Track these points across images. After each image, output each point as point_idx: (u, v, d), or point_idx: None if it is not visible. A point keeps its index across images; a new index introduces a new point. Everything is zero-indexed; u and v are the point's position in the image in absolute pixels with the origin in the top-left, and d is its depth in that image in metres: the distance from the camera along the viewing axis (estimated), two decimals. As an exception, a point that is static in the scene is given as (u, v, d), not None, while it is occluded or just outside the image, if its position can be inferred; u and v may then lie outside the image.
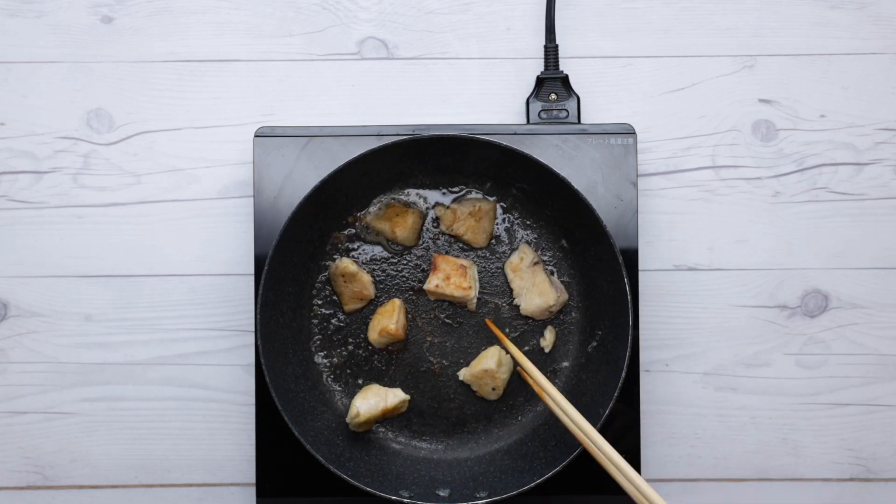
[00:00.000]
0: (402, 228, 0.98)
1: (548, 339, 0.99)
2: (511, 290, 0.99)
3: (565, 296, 0.98)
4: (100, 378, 1.01)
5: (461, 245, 0.99)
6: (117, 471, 1.01)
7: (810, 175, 1.02)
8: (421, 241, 0.99)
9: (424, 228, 0.99)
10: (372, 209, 0.99)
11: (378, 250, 0.99)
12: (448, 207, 0.99)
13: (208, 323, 1.01)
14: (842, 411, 1.02)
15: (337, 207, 0.98)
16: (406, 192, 0.99)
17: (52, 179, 1.01)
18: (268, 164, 0.98)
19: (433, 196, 1.00)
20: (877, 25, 1.02)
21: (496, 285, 0.99)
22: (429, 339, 0.99)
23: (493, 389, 0.98)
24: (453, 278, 0.97)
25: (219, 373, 1.01)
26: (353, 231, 0.99)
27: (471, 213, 0.98)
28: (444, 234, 0.99)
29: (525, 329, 0.99)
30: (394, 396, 0.97)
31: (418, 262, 0.99)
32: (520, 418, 0.99)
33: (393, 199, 0.99)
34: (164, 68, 1.02)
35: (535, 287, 0.98)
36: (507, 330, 0.99)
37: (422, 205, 0.99)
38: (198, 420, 1.01)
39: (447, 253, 0.99)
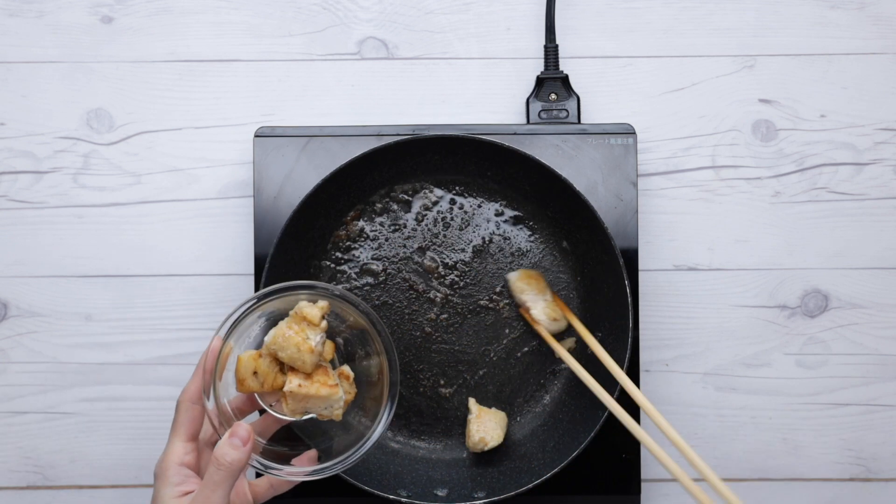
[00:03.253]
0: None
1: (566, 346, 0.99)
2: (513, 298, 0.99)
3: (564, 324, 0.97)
4: (100, 378, 1.01)
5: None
6: (117, 471, 1.01)
7: (810, 175, 1.02)
8: (423, 222, 0.99)
9: (425, 224, 0.99)
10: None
11: (379, 249, 0.99)
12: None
13: (208, 323, 1.01)
14: (842, 411, 1.02)
15: (338, 206, 0.98)
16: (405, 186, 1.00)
17: (52, 179, 1.01)
18: (268, 164, 0.98)
19: (435, 193, 1.00)
20: (877, 25, 1.02)
21: (494, 285, 0.99)
22: (428, 335, 0.99)
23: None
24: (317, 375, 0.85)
25: (219, 373, 1.01)
26: (356, 228, 0.99)
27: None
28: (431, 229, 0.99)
29: (525, 330, 0.99)
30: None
31: (416, 267, 0.99)
32: (518, 419, 0.99)
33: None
34: (164, 68, 1.02)
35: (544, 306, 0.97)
36: (506, 330, 0.99)
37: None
38: (198, 420, 1.01)
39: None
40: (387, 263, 0.99)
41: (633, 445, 0.98)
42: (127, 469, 1.01)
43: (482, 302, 0.99)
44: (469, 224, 0.99)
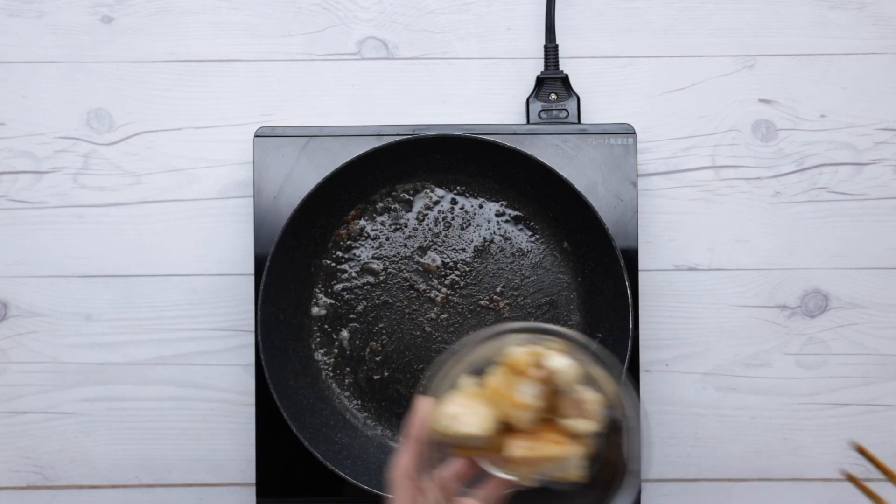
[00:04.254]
0: None
1: None
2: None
3: None
4: (100, 378, 1.01)
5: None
6: (117, 471, 1.01)
7: (810, 175, 1.02)
8: (424, 222, 0.99)
9: (426, 218, 1.00)
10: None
11: (380, 247, 0.99)
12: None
13: (208, 323, 1.01)
14: (842, 411, 1.02)
15: (339, 205, 0.98)
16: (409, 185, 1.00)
17: (52, 179, 1.01)
18: (268, 164, 0.98)
19: (437, 193, 1.00)
20: (877, 25, 1.02)
21: (495, 285, 0.99)
22: (428, 335, 0.99)
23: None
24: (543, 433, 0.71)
25: (219, 373, 1.01)
26: (357, 227, 0.99)
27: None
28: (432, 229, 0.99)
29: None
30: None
31: (417, 267, 0.99)
32: (520, 418, 0.99)
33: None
34: (164, 68, 1.02)
35: None
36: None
37: None
38: (198, 420, 1.01)
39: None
40: (387, 263, 0.99)
41: (634, 445, 0.98)
42: (127, 469, 1.01)
43: (482, 302, 0.99)
44: (470, 224, 1.00)
